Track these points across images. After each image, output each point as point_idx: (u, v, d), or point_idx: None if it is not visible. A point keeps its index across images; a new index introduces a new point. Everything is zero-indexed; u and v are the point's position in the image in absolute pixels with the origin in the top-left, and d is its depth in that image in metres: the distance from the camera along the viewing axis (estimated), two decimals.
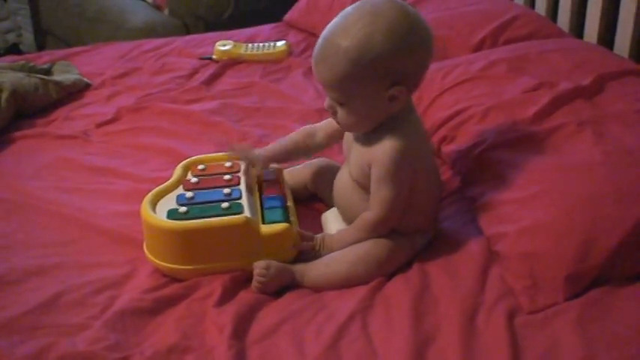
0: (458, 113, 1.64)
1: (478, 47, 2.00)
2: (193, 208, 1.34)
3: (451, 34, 2.03)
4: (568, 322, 1.16)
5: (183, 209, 1.33)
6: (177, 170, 1.48)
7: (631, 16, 1.84)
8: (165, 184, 1.43)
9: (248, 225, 1.29)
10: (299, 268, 1.31)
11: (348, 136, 1.40)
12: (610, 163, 1.32)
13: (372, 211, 1.33)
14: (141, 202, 1.37)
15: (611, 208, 1.23)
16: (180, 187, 1.43)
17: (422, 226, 1.38)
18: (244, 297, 1.27)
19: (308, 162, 1.60)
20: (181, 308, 1.24)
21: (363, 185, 1.35)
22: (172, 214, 1.33)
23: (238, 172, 1.46)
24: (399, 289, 1.27)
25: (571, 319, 1.16)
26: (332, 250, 1.34)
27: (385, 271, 1.31)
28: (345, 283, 1.29)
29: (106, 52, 2.48)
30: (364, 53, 1.22)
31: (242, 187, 1.41)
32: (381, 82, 1.26)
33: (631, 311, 1.17)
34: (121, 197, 1.58)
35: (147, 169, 1.70)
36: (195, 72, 2.26)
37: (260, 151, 1.50)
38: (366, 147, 1.33)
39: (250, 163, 1.48)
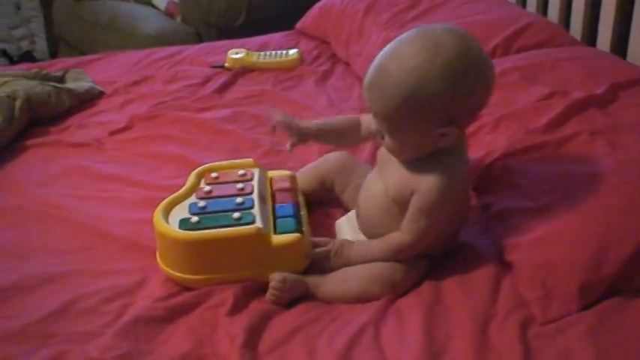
0: None
1: (490, 56, 1.97)
2: (205, 217, 1.34)
3: None
4: (581, 333, 1.15)
5: (195, 219, 1.33)
6: (191, 178, 1.48)
7: None
8: (179, 192, 1.43)
9: (259, 236, 1.29)
10: (313, 280, 1.31)
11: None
12: (623, 173, 1.31)
13: (403, 235, 1.30)
14: (153, 209, 1.37)
15: (624, 218, 1.23)
16: (194, 195, 1.43)
17: (443, 248, 1.37)
18: (256, 307, 1.26)
19: (324, 157, 1.58)
20: (193, 317, 1.24)
21: (400, 206, 1.32)
22: (184, 224, 1.33)
23: (251, 180, 1.46)
24: (411, 301, 1.27)
25: (584, 329, 1.15)
26: (348, 261, 1.33)
27: (399, 291, 1.29)
28: (358, 301, 1.28)
29: (119, 61, 2.50)
30: (418, 92, 1.18)
31: (254, 195, 1.40)
32: (433, 120, 1.22)
33: None
34: (133, 205, 1.59)
35: (159, 177, 1.70)
36: (207, 80, 2.27)
37: (308, 124, 1.44)
38: (409, 171, 1.29)
39: (299, 135, 1.42)
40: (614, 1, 1.93)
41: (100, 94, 2.19)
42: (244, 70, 2.33)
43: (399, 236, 1.30)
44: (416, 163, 1.29)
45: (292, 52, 2.40)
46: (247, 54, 2.36)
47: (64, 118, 2.05)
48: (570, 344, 1.13)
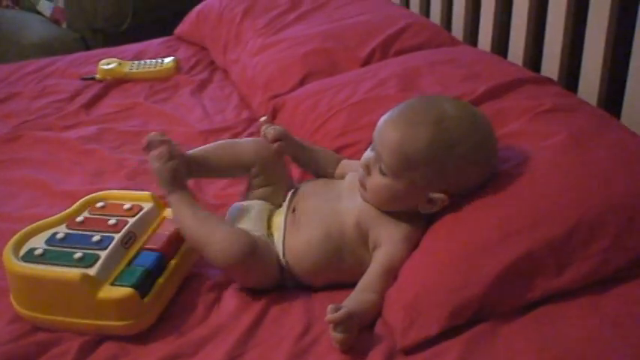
0: (345, 147, 1.56)
1: (368, 60, 1.93)
2: (51, 251, 1.25)
3: (339, 47, 1.96)
4: None
5: (40, 251, 1.25)
6: (76, 205, 1.38)
7: (524, 22, 1.81)
8: (52, 218, 1.34)
9: (82, 283, 1.17)
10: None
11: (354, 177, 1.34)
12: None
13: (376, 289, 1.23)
14: (4, 244, 1.27)
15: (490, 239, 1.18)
16: (64, 224, 1.34)
17: None
18: (103, 351, 1.18)
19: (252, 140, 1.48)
20: None
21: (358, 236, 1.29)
22: (28, 255, 1.24)
23: (134, 215, 1.34)
24: (276, 332, 1.20)
25: (454, 357, 1.09)
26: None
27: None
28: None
29: None
30: (419, 160, 1.20)
31: (118, 235, 1.28)
32: (430, 186, 1.22)
33: (515, 347, 1.11)
34: None
35: (14, 207, 1.60)
36: (76, 94, 2.16)
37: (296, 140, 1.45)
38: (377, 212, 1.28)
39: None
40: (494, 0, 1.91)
41: None
42: (117, 82, 2.23)
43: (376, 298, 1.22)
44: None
45: (167, 60, 2.30)
46: (120, 64, 2.26)
47: None
48: None
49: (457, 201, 1.24)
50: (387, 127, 1.24)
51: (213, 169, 1.43)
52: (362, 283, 1.24)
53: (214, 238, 1.25)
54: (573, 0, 1.65)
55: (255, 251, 1.25)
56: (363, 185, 1.28)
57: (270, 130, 1.41)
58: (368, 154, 1.27)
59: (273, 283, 1.30)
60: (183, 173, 1.34)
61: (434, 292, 1.16)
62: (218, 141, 1.49)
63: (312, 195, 1.37)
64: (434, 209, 1.25)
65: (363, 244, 1.29)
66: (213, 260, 1.27)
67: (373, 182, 1.26)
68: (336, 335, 1.12)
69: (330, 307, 1.13)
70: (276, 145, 1.40)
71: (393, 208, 1.27)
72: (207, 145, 1.45)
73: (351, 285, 1.26)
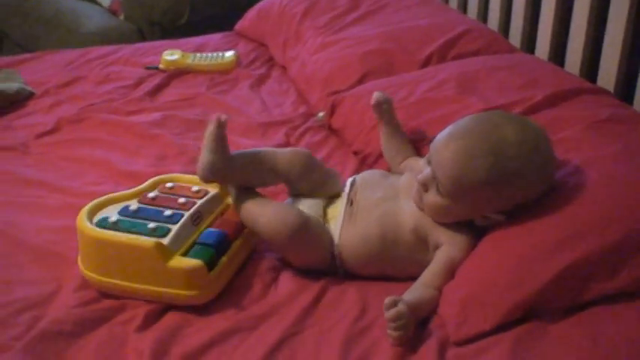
0: None
1: (426, 62, 1.97)
2: (125, 221, 1.32)
3: (398, 49, 2.00)
4: (501, 354, 1.12)
5: (114, 219, 1.31)
6: (147, 183, 1.45)
7: (582, 33, 1.83)
8: (124, 192, 1.42)
9: (154, 251, 1.23)
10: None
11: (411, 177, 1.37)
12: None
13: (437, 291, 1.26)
14: (72, 217, 1.34)
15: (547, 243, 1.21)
16: (136, 199, 1.40)
17: None
18: (168, 321, 1.23)
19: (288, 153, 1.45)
20: (103, 332, 1.21)
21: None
22: (102, 222, 1.31)
23: (200, 198, 1.40)
24: (332, 314, 1.25)
25: (504, 351, 1.13)
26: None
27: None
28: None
29: (53, 60, 2.44)
30: (478, 188, 1.22)
31: (189, 212, 1.34)
32: (488, 208, 1.25)
33: (566, 345, 1.14)
34: (53, 212, 1.54)
35: (81, 183, 1.66)
36: (140, 82, 2.22)
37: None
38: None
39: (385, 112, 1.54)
40: (553, 9, 1.93)
41: (30, 95, 2.14)
42: (179, 72, 2.29)
43: (436, 294, 1.26)
44: None
45: (228, 54, 2.36)
46: (182, 55, 2.32)
47: None
48: None
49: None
50: (445, 153, 1.24)
51: (247, 178, 1.42)
52: (423, 279, 1.27)
53: (266, 212, 1.31)
54: (632, 15, 1.67)
55: (306, 228, 1.30)
56: (419, 200, 1.31)
57: (380, 93, 1.51)
58: (426, 171, 1.28)
59: (323, 265, 1.34)
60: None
61: (490, 290, 1.19)
62: (253, 149, 1.47)
63: (370, 189, 1.40)
64: (489, 224, 1.27)
65: (420, 246, 1.32)
66: (264, 234, 1.32)
67: (430, 200, 1.28)
68: (393, 333, 1.14)
69: (387, 300, 1.16)
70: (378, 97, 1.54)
71: (449, 222, 1.30)
72: (243, 151, 1.43)
73: (402, 278, 1.31)
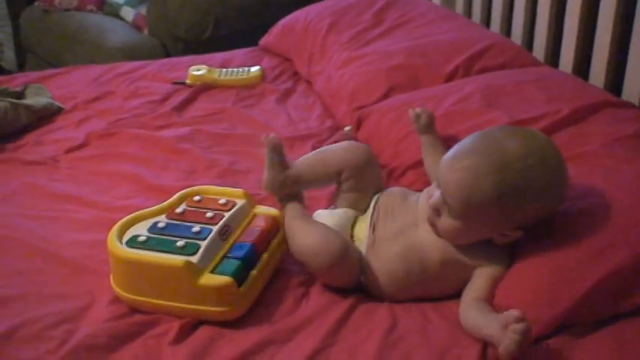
0: None
1: (451, 77, 1.98)
2: (154, 239, 1.33)
3: (423, 63, 2.01)
4: None
5: (143, 238, 1.32)
6: (175, 197, 1.46)
7: (606, 46, 1.83)
8: (153, 208, 1.42)
9: (184, 270, 1.24)
10: None
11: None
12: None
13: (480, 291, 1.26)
14: (104, 230, 1.35)
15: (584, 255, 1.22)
16: (164, 214, 1.41)
17: None
18: (201, 335, 1.24)
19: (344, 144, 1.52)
20: (137, 346, 1.22)
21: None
22: (132, 241, 1.32)
23: (229, 210, 1.41)
24: (364, 327, 1.25)
25: None
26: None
27: None
28: None
29: (80, 75, 2.46)
30: (488, 206, 1.21)
31: (216, 227, 1.35)
32: (503, 225, 1.25)
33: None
34: (85, 226, 1.56)
35: (113, 197, 1.68)
36: (167, 97, 2.25)
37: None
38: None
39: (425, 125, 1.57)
40: (577, 22, 1.94)
41: (59, 110, 2.17)
42: (205, 87, 2.31)
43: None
44: None
45: (254, 69, 2.38)
46: (209, 71, 2.35)
47: (21, 134, 2.02)
48: None
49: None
50: (451, 175, 1.24)
51: (306, 184, 1.49)
52: (478, 304, 1.24)
53: (309, 234, 1.33)
54: None
55: (345, 257, 1.30)
56: (434, 225, 1.30)
57: (423, 112, 1.58)
58: (435, 195, 1.27)
59: (354, 284, 1.35)
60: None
61: (528, 308, 1.17)
62: (309, 153, 1.54)
63: (390, 217, 1.39)
64: (508, 241, 1.27)
65: (452, 274, 1.31)
66: (302, 255, 1.34)
67: (444, 224, 1.27)
68: (512, 345, 1.08)
69: (516, 315, 1.10)
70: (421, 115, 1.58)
71: (468, 243, 1.29)
72: (299, 161, 1.49)
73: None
